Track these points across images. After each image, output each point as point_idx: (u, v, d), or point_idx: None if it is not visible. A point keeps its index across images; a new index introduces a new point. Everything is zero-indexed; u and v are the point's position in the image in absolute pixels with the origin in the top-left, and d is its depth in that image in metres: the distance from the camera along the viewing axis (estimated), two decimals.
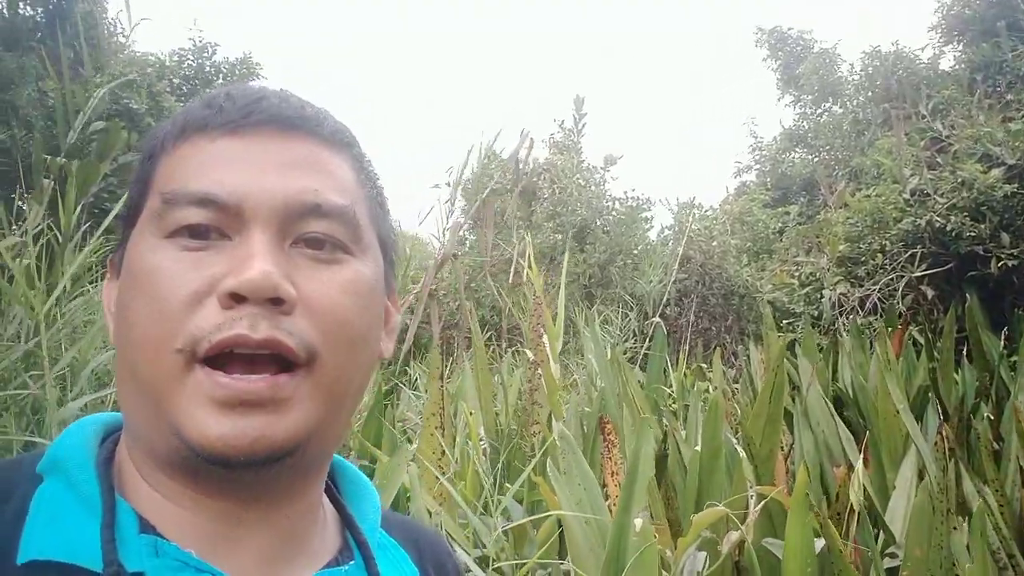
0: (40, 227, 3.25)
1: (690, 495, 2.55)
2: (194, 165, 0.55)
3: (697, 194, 19.07)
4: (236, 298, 0.51)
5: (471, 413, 2.63)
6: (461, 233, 9.63)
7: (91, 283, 3.74)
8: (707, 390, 4.63)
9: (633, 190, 10.07)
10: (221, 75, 10.88)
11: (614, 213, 9.50)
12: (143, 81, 9.95)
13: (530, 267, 2.45)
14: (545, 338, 2.39)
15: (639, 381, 4.24)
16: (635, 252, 9.19)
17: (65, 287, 3.38)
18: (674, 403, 4.59)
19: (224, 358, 0.51)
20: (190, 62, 10.94)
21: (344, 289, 0.55)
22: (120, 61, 10.53)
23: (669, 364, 5.03)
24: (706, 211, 10.23)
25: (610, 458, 2.45)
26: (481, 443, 2.81)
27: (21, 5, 9.93)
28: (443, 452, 2.31)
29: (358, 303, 0.56)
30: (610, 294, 8.26)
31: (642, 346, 5.97)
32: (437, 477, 2.14)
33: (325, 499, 0.63)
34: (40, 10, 9.87)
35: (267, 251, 0.52)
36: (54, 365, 3.47)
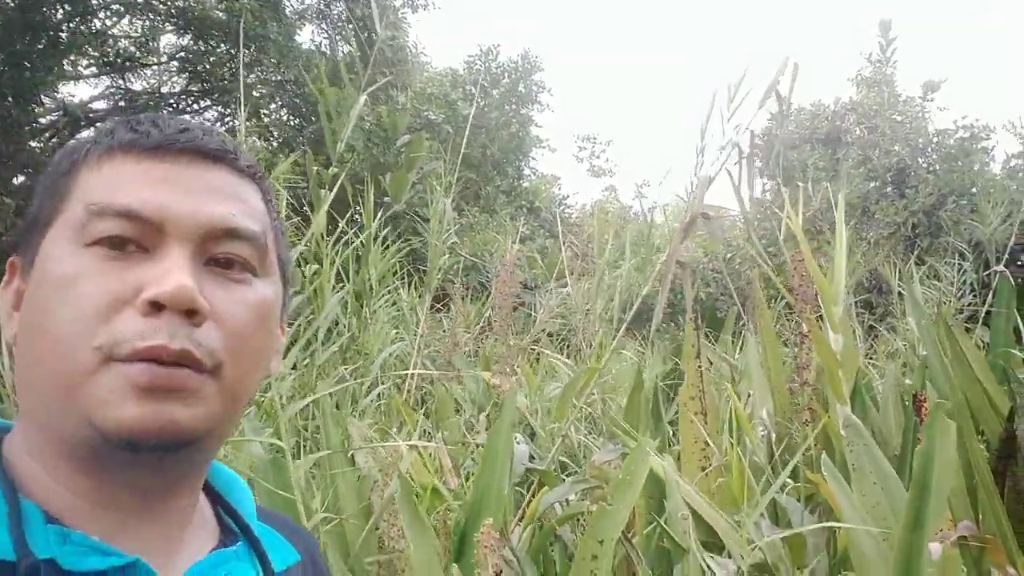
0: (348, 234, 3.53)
1: None
2: (119, 181, 0.59)
3: None
4: (156, 307, 0.55)
5: (735, 394, 2.29)
6: (757, 194, 8.95)
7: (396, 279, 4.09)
8: None
9: (964, 118, 8.47)
10: (506, 73, 11.43)
11: (941, 149, 8.07)
12: (440, 93, 10.81)
13: (794, 213, 2.00)
14: (820, 299, 1.94)
15: (978, 343, 3.46)
16: (973, 191, 7.71)
17: (372, 286, 3.72)
18: None
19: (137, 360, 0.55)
20: (478, 66, 11.64)
21: (249, 307, 0.61)
22: (422, 80, 11.57)
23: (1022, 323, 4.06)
24: None
25: None
26: (764, 431, 2.47)
27: (340, 45, 11.41)
28: (706, 443, 2.05)
29: (259, 322, 0.62)
30: (940, 244, 7.03)
31: (983, 305, 4.94)
32: (699, 470, 1.89)
33: (201, 494, 0.68)
34: (355, 44, 11.24)
35: (186, 266, 0.57)
36: (365, 358, 3.84)
